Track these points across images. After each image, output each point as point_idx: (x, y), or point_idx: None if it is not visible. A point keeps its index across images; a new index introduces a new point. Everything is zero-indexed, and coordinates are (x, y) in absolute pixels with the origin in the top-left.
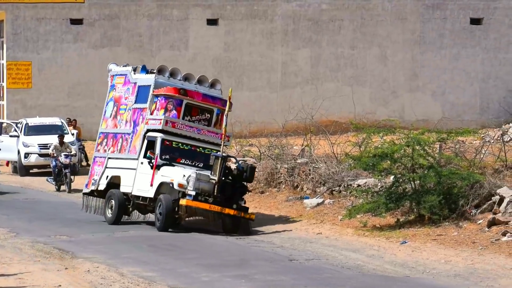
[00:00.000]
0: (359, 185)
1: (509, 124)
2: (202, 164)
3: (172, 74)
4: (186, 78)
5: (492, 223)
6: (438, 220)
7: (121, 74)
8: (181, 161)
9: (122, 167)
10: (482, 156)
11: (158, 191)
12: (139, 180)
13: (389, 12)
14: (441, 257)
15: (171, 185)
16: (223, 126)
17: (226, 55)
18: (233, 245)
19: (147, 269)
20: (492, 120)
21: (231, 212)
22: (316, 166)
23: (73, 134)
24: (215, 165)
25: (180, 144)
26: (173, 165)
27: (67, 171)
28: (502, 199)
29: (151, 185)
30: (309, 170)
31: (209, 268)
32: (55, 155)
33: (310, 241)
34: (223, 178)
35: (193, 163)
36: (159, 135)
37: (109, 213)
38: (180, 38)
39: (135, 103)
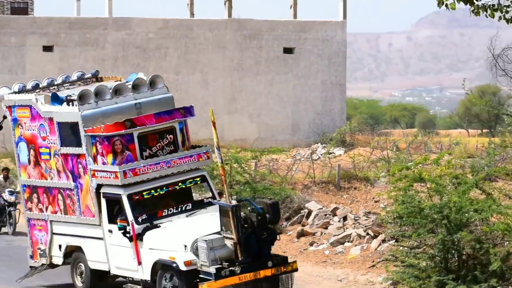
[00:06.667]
0: None
1: (317, 144)
2: (190, 204)
3: (99, 95)
4: (117, 90)
5: (301, 234)
6: None
7: (22, 105)
8: (163, 214)
9: (80, 235)
10: (293, 173)
11: (154, 271)
12: (116, 256)
13: (210, 41)
14: None
15: (174, 265)
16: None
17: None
18: None
19: None
20: (302, 140)
21: (269, 272)
22: None
23: None
24: (226, 219)
25: (153, 190)
26: (158, 226)
27: (11, 209)
28: (310, 212)
29: (139, 263)
30: None
31: None
32: None
33: None
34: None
35: (179, 208)
36: (122, 192)
37: (79, 282)
38: (17, 63)
39: (61, 146)
